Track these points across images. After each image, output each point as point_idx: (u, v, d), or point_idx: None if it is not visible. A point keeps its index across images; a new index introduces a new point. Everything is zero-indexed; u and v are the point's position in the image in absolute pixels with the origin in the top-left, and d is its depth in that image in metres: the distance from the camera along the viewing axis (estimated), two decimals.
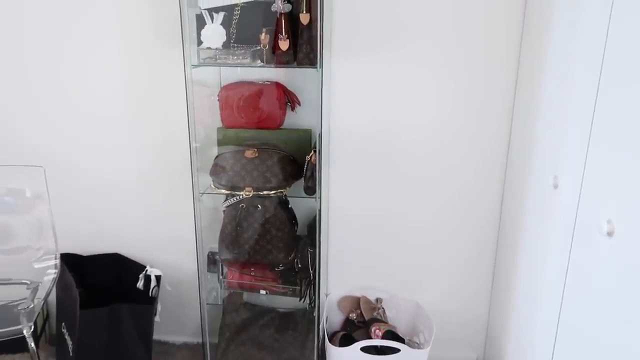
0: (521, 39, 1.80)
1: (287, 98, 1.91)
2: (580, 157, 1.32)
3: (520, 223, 1.79)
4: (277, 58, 1.73)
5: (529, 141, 1.73)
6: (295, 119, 1.96)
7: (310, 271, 1.92)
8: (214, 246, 1.99)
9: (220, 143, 1.97)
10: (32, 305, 1.85)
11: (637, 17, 1.09)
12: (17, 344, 1.85)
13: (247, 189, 1.80)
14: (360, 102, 1.94)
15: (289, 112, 1.94)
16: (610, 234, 1.18)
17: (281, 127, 1.94)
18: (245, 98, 1.90)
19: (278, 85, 1.90)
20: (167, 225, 2.19)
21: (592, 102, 1.26)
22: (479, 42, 1.83)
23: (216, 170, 1.87)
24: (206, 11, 1.69)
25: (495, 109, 1.89)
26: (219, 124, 1.97)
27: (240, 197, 1.84)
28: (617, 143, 1.17)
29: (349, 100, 1.94)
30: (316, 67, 1.68)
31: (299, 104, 1.94)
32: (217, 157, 1.92)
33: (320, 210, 1.81)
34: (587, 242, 1.29)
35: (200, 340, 2.10)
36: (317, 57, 1.68)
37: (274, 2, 1.68)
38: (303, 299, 1.96)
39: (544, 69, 1.61)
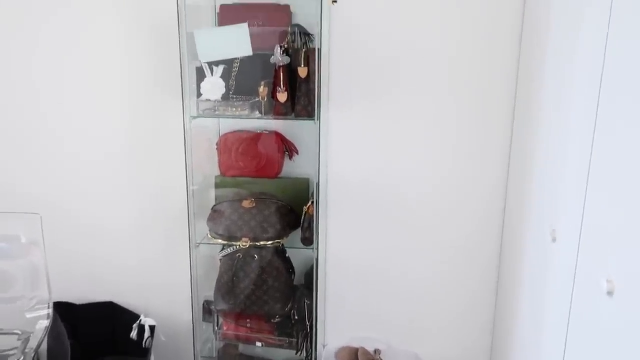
0: (515, 92, 1.83)
1: (285, 147, 1.93)
2: (578, 210, 1.32)
3: (519, 276, 1.77)
4: (275, 109, 1.76)
5: (526, 192, 1.73)
6: (293, 168, 1.97)
7: (307, 323, 1.88)
8: (210, 294, 1.96)
9: (218, 191, 1.97)
10: (22, 358, 1.80)
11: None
12: None
13: (243, 239, 1.79)
14: (358, 152, 1.95)
15: (286, 161, 1.95)
16: (610, 293, 1.16)
17: (279, 176, 1.95)
18: (243, 145, 1.91)
19: (276, 134, 1.92)
20: (163, 273, 2.16)
21: (588, 155, 1.26)
22: (474, 93, 1.85)
23: (213, 218, 1.86)
24: (206, 64, 1.73)
25: (492, 159, 1.90)
26: (217, 172, 1.98)
27: (237, 246, 1.82)
28: (616, 197, 1.16)
29: (347, 150, 1.95)
30: (314, 119, 1.70)
31: (297, 153, 1.95)
32: (214, 205, 1.92)
33: (317, 261, 1.80)
34: (587, 301, 1.27)
35: None
36: (314, 109, 1.70)
37: (273, 55, 1.71)
38: (300, 352, 1.92)
39: (539, 120, 1.63)
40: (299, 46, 1.73)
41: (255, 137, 1.91)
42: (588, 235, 1.28)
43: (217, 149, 1.95)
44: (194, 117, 1.76)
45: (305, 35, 1.74)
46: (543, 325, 1.55)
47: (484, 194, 1.94)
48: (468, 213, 1.96)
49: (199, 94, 1.75)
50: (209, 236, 1.86)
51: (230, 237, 1.81)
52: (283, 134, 1.93)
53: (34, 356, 2.10)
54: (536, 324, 1.61)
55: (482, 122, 1.87)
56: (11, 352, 1.84)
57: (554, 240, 1.48)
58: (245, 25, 1.67)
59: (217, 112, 1.76)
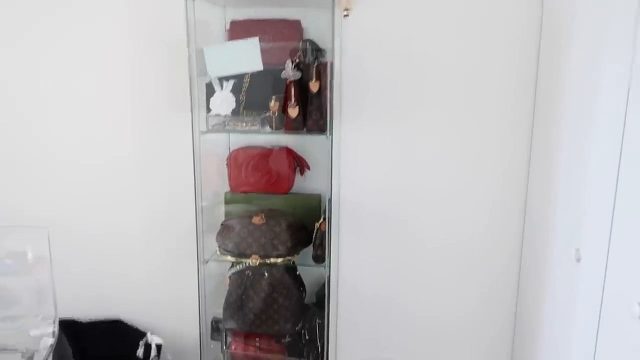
0: (534, 107, 1.78)
1: (297, 162, 1.89)
2: (605, 230, 1.27)
3: (541, 299, 1.71)
4: (286, 124, 1.72)
5: (548, 211, 1.68)
6: (305, 184, 1.93)
7: (319, 343, 1.83)
8: (219, 312, 1.91)
9: (227, 207, 1.93)
10: None
11: None
12: None
13: (253, 256, 1.75)
14: (371, 168, 1.91)
15: (298, 177, 1.91)
16: None
17: (290, 192, 1.91)
18: (254, 161, 1.88)
19: (287, 149, 1.88)
20: (171, 289, 2.13)
21: (615, 170, 1.21)
22: (492, 109, 1.81)
23: (223, 235, 1.82)
24: (216, 78, 1.70)
25: (512, 178, 1.84)
26: (227, 188, 1.94)
27: (247, 264, 1.78)
28: None
29: (359, 166, 1.91)
30: (326, 134, 1.66)
31: (309, 169, 1.91)
32: (224, 221, 1.88)
33: (329, 279, 1.75)
34: (616, 325, 1.21)
35: None
36: (326, 124, 1.66)
37: (284, 70, 1.68)
38: None
39: (560, 136, 1.58)
40: (311, 61, 1.70)
41: (266, 153, 1.88)
42: (616, 256, 1.23)
43: (227, 165, 1.92)
44: (204, 133, 1.73)
45: (317, 50, 1.71)
46: (568, 351, 1.49)
47: (503, 215, 1.88)
48: (486, 234, 1.90)
49: (208, 109, 1.72)
50: (218, 253, 1.82)
51: (240, 254, 1.77)
52: (294, 150, 1.89)
53: None
54: (559, 349, 1.54)
55: (501, 139, 1.82)
56: None
57: (578, 260, 1.43)
58: (256, 39, 1.64)
59: (227, 128, 1.73)
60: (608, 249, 1.25)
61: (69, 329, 2.00)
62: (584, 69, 1.41)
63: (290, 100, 1.70)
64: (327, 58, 1.68)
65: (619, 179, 1.21)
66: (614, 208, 1.23)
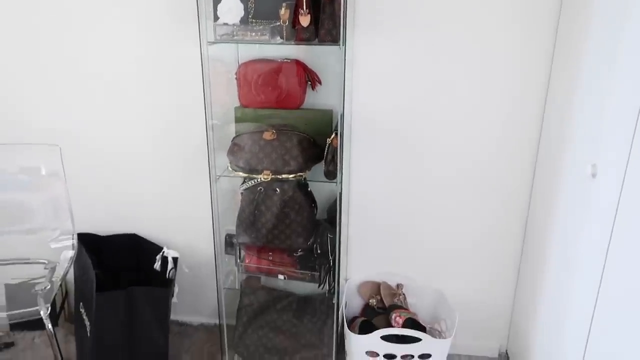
0: (559, 19, 1.67)
1: (308, 76, 1.83)
2: (625, 145, 1.22)
3: (551, 211, 1.70)
4: (297, 34, 1.64)
5: (565, 127, 1.62)
6: (316, 99, 1.87)
7: (330, 257, 1.86)
8: (232, 227, 1.94)
9: (238, 123, 1.90)
10: (49, 286, 1.84)
11: None
12: (37, 322, 1.85)
13: (265, 172, 1.74)
14: (385, 83, 1.84)
15: (309, 91, 1.86)
16: None
17: (301, 107, 1.86)
18: (263, 76, 1.82)
19: (298, 63, 1.81)
20: (184, 206, 2.15)
21: None
22: (516, 25, 1.69)
23: (233, 151, 1.81)
24: None
25: (529, 95, 1.77)
26: (237, 103, 1.90)
27: (259, 180, 1.78)
28: None
29: (373, 80, 1.84)
30: (339, 45, 1.58)
31: (320, 83, 1.85)
32: (234, 137, 1.85)
33: (341, 195, 1.74)
34: (628, 238, 1.20)
35: (217, 322, 2.08)
36: (340, 33, 1.58)
37: None
38: (322, 286, 1.91)
39: (583, 47, 1.49)
40: None
41: (275, 68, 1.81)
42: (633, 174, 1.19)
43: (236, 79, 1.86)
44: (212, 43, 1.66)
45: None
46: (576, 260, 1.49)
47: (517, 133, 1.82)
48: (500, 148, 1.86)
49: (216, 18, 1.64)
50: (230, 169, 1.82)
51: (251, 170, 1.76)
52: (305, 63, 1.82)
53: (60, 284, 2.15)
54: (568, 260, 1.55)
55: (521, 56, 1.72)
56: (39, 281, 1.88)
57: (593, 175, 1.39)
58: None
59: (235, 38, 1.65)
60: (627, 164, 1.21)
61: (88, 242, 2.06)
62: None
63: (302, 7, 1.60)
64: None
65: None
66: (636, 124, 1.17)
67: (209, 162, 1.78)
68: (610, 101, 1.32)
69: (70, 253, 1.99)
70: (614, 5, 1.32)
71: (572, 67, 1.58)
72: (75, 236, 2.00)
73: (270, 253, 1.95)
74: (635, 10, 1.21)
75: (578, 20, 1.54)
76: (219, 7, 1.62)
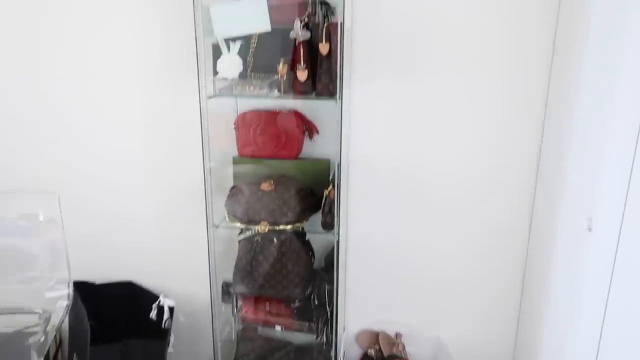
0: (551, 69, 1.70)
1: (305, 126, 1.85)
2: (620, 199, 1.23)
3: (549, 264, 1.69)
4: (295, 88, 1.67)
5: (559, 179, 1.63)
6: (314, 149, 1.89)
7: (328, 308, 1.84)
8: (229, 276, 1.93)
9: (236, 172, 1.91)
10: (43, 339, 1.80)
11: None
12: None
13: (262, 223, 1.74)
14: (381, 133, 1.86)
15: (307, 141, 1.88)
16: None
17: (299, 157, 1.88)
18: (262, 125, 1.84)
19: (296, 113, 1.84)
20: (182, 254, 2.14)
21: (637, 128, 1.16)
22: (506, 71, 1.73)
23: (231, 201, 1.81)
24: (223, 40, 1.64)
25: (525, 141, 1.78)
26: (235, 152, 1.91)
27: (256, 230, 1.77)
28: None
29: (370, 131, 1.86)
30: (335, 99, 1.61)
31: (317, 133, 1.87)
32: (232, 188, 1.86)
33: (338, 245, 1.74)
34: (627, 291, 1.19)
35: None
36: (336, 88, 1.61)
37: (292, 30, 1.62)
38: (320, 337, 1.88)
39: (577, 99, 1.51)
40: (320, 20, 1.63)
41: (274, 116, 1.83)
42: (630, 225, 1.19)
43: (235, 128, 1.88)
44: (211, 97, 1.69)
45: (325, 5, 1.63)
46: (575, 313, 1.47)
47: (514, 181, 1.83)
48: (497, 199, 1.86)
49: (215, 72, 1.67)
50: (227, 219, 1.82)
51: (249, 221, 1.76)
52: (303, 113, 1.85)
53: (55, 335, 2.11)
54: (567, 311, 1.53)
55: (515, 104, 1.75)
56: (34, 329, 1.85)
57: (590, 229, 1.40)
58: None
59: (234, 92, 1.68)
60: (622, 218, 1.22)
61: (83, 290, 2.04)
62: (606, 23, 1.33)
63: (300, 62, 1.64)
64: (337, 16, 1.61)
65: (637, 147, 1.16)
66: (630, 175, 1.18)
67: (206, 211, 1.79)
68: (605, 153, 1.33)
69: (66, 302, 1.97)
70: (607, 52, 1.36)
71: (565, 116, 1.60)
72: (71, 285, 1.98)
73: (268, 303, 1.93)
74: (627, 64, 1.24)
75: (572, 67, 1.58)
76: (218, 62, 1.66)
